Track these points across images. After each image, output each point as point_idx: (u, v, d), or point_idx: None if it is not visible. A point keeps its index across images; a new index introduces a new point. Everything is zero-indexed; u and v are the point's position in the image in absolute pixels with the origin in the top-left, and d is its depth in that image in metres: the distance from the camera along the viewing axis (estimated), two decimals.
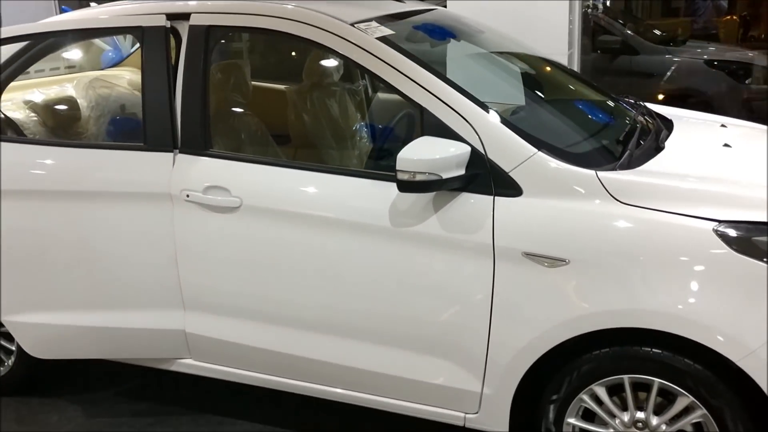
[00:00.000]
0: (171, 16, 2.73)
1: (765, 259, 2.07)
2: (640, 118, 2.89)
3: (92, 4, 6.54)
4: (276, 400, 3.13)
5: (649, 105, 3.29)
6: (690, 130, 2.90)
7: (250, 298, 2.66)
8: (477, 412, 2.45)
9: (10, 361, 3.25)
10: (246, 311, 2.69)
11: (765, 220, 2.12)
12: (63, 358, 3.04)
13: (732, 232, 2.10)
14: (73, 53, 4.80)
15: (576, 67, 5.07)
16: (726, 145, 2.67)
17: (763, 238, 2.09)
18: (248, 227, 2.58)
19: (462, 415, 2.49)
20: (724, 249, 2.08)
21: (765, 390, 2.05)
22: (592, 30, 6.74)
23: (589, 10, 7.23)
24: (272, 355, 2.69)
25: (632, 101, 3.22)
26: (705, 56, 7.07)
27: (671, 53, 7.08)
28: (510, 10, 4.61)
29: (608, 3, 11.91)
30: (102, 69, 4.65)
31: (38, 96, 3.56)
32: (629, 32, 7.20)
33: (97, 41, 5.43)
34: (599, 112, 3.03)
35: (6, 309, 2.97)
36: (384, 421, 2.89)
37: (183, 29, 2.72)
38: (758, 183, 2.34)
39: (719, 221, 2.11)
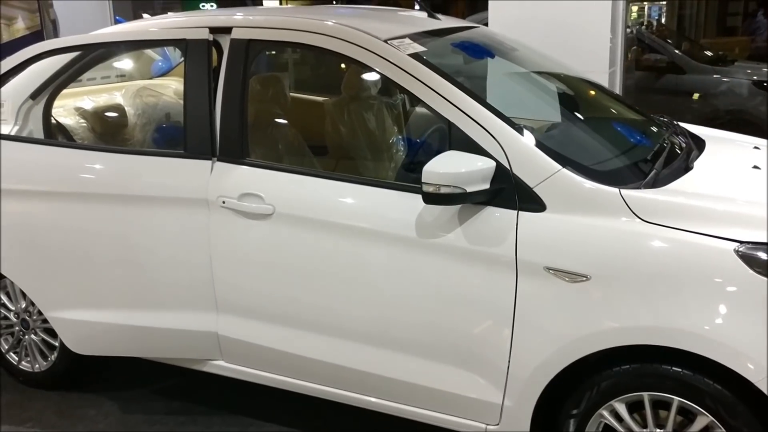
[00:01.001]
0: (214, 30, 2.85)
1: None
2: (672, 137, 2.89)
3: (145, 15, 6.78)
4: (305, 405, 3.20)
5: (685, 125, 3.29)
6: (721, 151, 2.89)
7: (280, 304, 2.75)
8: (498, 424, 2.48)
9: (53, 356, 3.40)
10: (276, 316, 2.77)
11: None
12: (102, 355, 3.17)
13: (754, 254, 2.10)
14: (125, 63, 4.99)
15: (618, 86, 5.07)
16: (756, 167, 2.66)
17: None
18: (280, 234, 2.67)
19: (483, 426, 2.52)
20: (745, 270, 2.08)
21: None
22: (637, 49, 6.71)
23: (638, 29, 7.20)
24: (301, 361, 2.77)
25: (666, 120, 3.22)
26: (754, 77, 6.97)
27: (719, 73, 6.99)
28: (552, 26, 4.64)
29: (663, 21, 11.80)
30: (152, 78, 4.84)
31: (88, 103, 3.73)
32: (676, 51, 7.14)
33: (149, 51, 5.64)
34: (630, 131, 3.04)
35: (51, 305, 3.12)
36: (403, 426, 2.95)
37: (225, 42, 2.84)
38: None
39: (741, 242, 2.11)
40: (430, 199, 2.29)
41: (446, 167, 2.26)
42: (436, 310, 2.47)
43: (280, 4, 9.12)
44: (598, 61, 4.63)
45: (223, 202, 2.73)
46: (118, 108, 3.79)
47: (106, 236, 2.93)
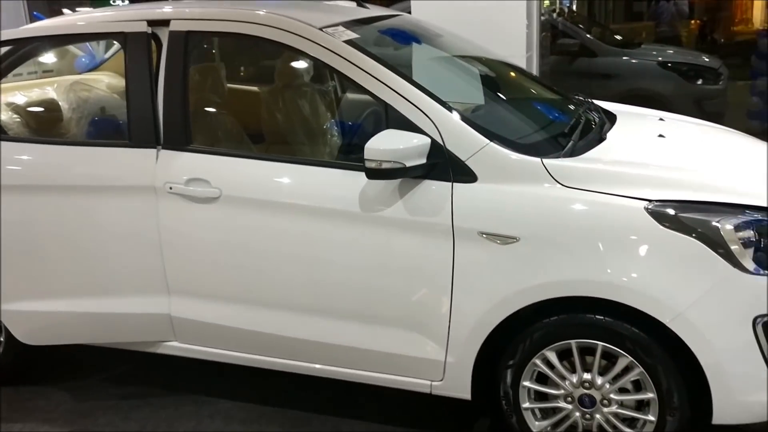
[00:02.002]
0: (152, 23, 2.94)
1: (693, 235, 2.34)
2: (586, 113, 3.16)
3: (66, 11, 6.66)
4: (255, 380, 3.34)
5: (598, 102, 3.57)
6: (630, 123, 3.18)
7: (230, 282, 2.88)
8: (442, 380, 2.69)
9: None
10: (227, 294, 2.90)
11: (691, 199, 2.40)
12: (55, 344, 3.22)
13: (661, 210, 2.37)
14: (48, 58, 4.96)
15: (535, 69, 5.35)
16: (660, 135, 2.96)
17: (690, 215, 2.36)
18: (228, 216, 2.80)
19: (428, 382, 2.72)
20: (655, 225, 2.35)
21: (690, 346, 2.33)
22: (551, 34, 7.06)
23: (550, 15, 7.56)
24: (252, 335, 2.91)
25: (581, 98, 3.50)
26: (659, 58, 7.44)
27: (627, 55, 7.43)
28: (471, 15, 4.87)
29: (574, 8, 12.33)
30: (77, 74, 4.83)
31: (20, 99, 3.73)
32: (587, 36, 7.54)
33: (72, 47, 5.59)
34: (549, 108, 3.29)
35: None
36: (356, 397, 3.14)
37: (163, 35, 2.93)
38: (685, 167, 2.63)
39: (650, 200, 2.38)
40: (373, 174, 2.47)
41: (386, 144, 2.44)
42: (382, 279, 2.66)
43: None
44: (515, 46, 4.89)
45: (171, 188, 2.84)
46: (51, 103, 3.81)
47: (55, 227, 2.99)
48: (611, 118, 3.22)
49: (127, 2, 11.94)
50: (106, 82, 4.23)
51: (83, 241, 2.98)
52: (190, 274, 2.93)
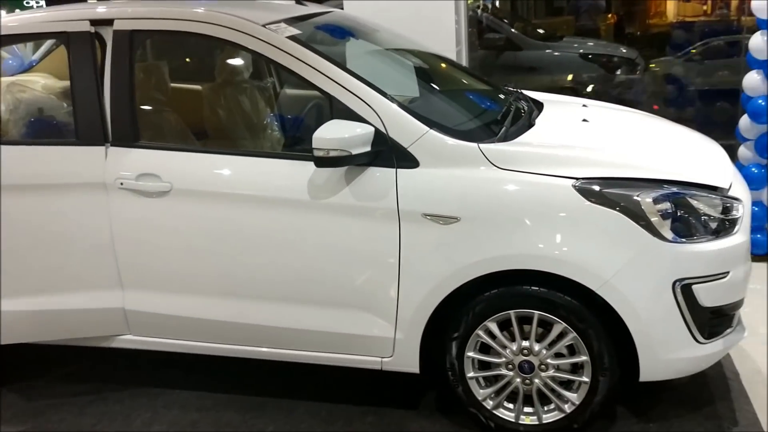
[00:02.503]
0: (95, 22, 3.00)
1: (617, 208, 2.56)
2: (516, 102, 3.37)
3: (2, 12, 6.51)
4: (210, 369, 3.43)
5: (526, 91, 3.80)
6: (556, 110, 3.41)
7: (183, 273, 2.96)
8: (392, 356, 2.85)
9: None
10: (180, 285, 2.99)
11: (613, 176, 2.63)
12: (10, 343, 3.23)
13: (588, 187, 2.58)
14: None
15: (465, 63, 5.57)
16: (584, 120, 3.20)
17: (613, 191, 2.58)
18: (179, 208, 2.89)
19: (379, 359, 2.88)
20: (582, 200, 2.57)
21: (617, 310, 2.56)
22: (479, 28, 7.32)
23: (479, 11, 7.83)
24: (206, 323, 3.00)
25: (511, 89, 3.71)
26: (580, 50, 7.80)
27: (550, 48, 7.76)
28: (402, 11, 5.04)
29: (497, 4, 12.69)
30: (5, 76, 4.77)
31: None
32: (512, 30, 7.83)
33: None
34: (482, 98, 3.49)
35: None
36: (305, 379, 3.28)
37: (107, 34, 2.99)
38: (608, 148, 2.88)
39: (577, 179, 2.60)
40: (321, 162, 2.61)
41: (333, 133, 2.58)
42: (332, 262, 2.79)
43: None
44: (446, 41, 5.08)
45: (121, 184, 2.91)
46: None
47: (4, 226, 3.01)
48: (539, 106, 3.44)
49: (42, 3, 11.66)
50: (42, 83, 4.21)
51: (34, 239, 3.01)
52: (143, 267, 3.00)
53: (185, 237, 2.92)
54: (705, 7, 12.50)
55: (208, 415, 3.16)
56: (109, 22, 2.99)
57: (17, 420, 3.22)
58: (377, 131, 2.68)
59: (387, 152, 2.69)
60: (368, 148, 2.64)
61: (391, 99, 2.75)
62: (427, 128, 2.70)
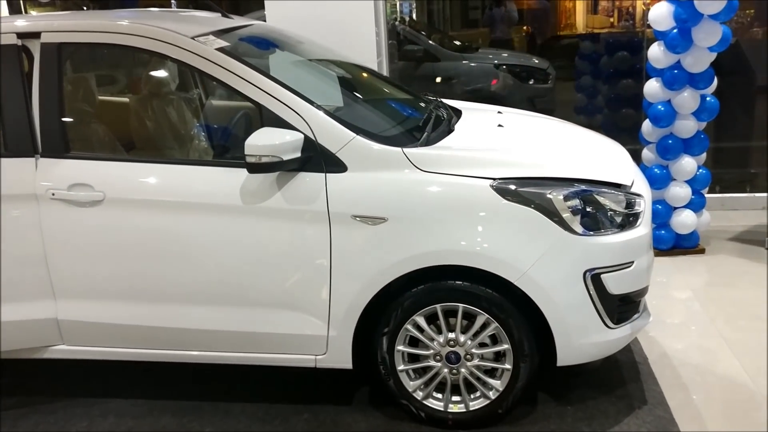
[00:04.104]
0: (21, 35, 3.02)
1: (532, 205, 2.77)
2: (436, 110, 3.56)
3: None
4: (144, 376, 3.46)
5: (446, 100, 4.00)
6: (473, 117, 3.62)
7: (117, 281, 3.01)
8: (325, 353, 2.97)
9: None
10: (114, 293, 3.03)
11: (527, 176, 2.84)
12: None
13: (504, 186, 2.78)
14: None
15: (386, 73, 5.76)
16: (500, 125, 3.42)
17: (528, 189, 2.79)
18: (112, 217, 2.94)
19: (313, 357, 2.99)
20: (499, 199, 2.76)
21: (535, 300, 2.76)
22: (398, 40, 7.54)
23: (396, 23, 8.06)
24: (140, 330, 3.05)
25: (431, 98, 3.91)
26: (495, 61, 8.14)
27: (467, 59, 8.07)
28: (323, 22, 5.17)
29: (414, 17, 13.01)
30: None
31: None
32: (430, 42, 8.11)
33: None
34: (404, 106, 3.67)
35: None
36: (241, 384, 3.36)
37: (34, 46, 3.01)
38: (521, 150, 3.10)
39: (494, 179, 2.80)
40: (254, 168, 2.71)
41: (264, 140, 2.70)
42: (265, 265, 2.90)
43: (25, 11, 8.84)
44: (366, 52, 5.25)
45: (53, 195, 2.93)
46: None
47: None
48: (457, 113, 3.65)
49: None
50: None
51: None
52: (77, 277, 3.02)
53: (118, 245, 2.96)
54: (612, 20, 13.19)
55: (144, 422, 3.20)
56: (36, 35, 3.01)
57: None
58: (306, 138, 2.80)
59: (316, 158, 2.82)
60: (298, 154, 2.76)
61: (319, 107, 2.88)
62: (353, 134, 2.85)
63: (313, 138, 2.82)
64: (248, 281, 2.93)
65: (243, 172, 2.78)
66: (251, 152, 2.69)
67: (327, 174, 2.82)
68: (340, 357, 2.97)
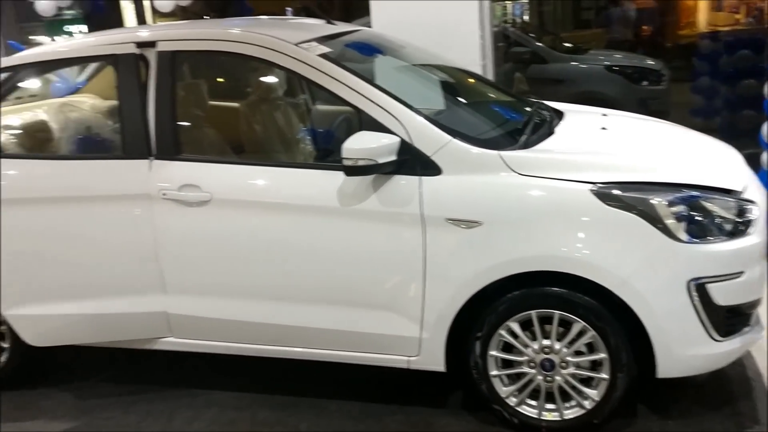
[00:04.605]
0: (140, 45, 3.22)
1: (634, 211, 2.68)
2: (537, 112, 3.51)
3: (38, 38, 6.88)
4: (246, 369, 3.60)
5: (549, 102, 3.93)
6: (576, 119, 3.54)
7: (223, 277, 3.15)
8: (418, 355, 2.99)
9: (2, 358, 3.63)
10: (220, 289, 3.17)
11: (631, 180, 2.75)
12: (60, 345, 3.45)
13: (606, 191, 2.71)
14: (30, 84, 5.20)
15: (490, 76, 5.72)
16: (603, 128, 3.32)
17: (630, 194, 2.70)
18: (218, 217, 3.08)
19: (406, 358, 3.02)
20: (600, 204, 2.69)
21: (634, 309, 2.67)
22: (506, 43, 7.48)
23: (503, 26, 7.99)
24: (244, 325, 3.18)
25: (533, 100, 3.86)
26: (606, 62, 7.91)
27: (576, 61, 7.89)
28: (428, 27, 5.20)
29: (525, 18, 12.84)
30: (54, 98, 5.07)
31: (15, 120, 3.97)
32: (538, 44, 7.98)
33: (47, 75, 5.83)
34: (505, 109, 3.64)
35: (8, 304, 3.38)
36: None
37: (151, 55, 3.21)
38: (626, 153, 3.01)
39: (595, 183, 2.73)
40: (350, 171, 2.78)
41: (361, 144, 2.76)
42: (361, 266, 2.96)
43: (154, 21, 9.40)
44: (470, 55, 5.24)
45: (164, 194, 3.11)
46: (43, 123, 4.04)
47: (56, 235, 3.24)
48: (559, 115, 3.58)
49: (84, 29, 12.20)
50: (89, 103, 4.47)
51: (84, 247, 3.23)
52: (186, 273, 3.19)
53: (224, 243, 3.10)
54: (737, 16, 12.47)
55: (244, 414, 3.33)
56: (152, 44, 3.21)
57: (69, 417, 3.43)
58: (402, 141, 2.84)
59: (412, 161, 2.85)
60: (394, 157, 2.80)
61: (416, 110, 2.91)
62: (449, 137, 2.86)
63: (409, 141, 2.85)
64: (344, 281, 3.00)
65: (341, 175, 2.85)
66: (348, 155, 2.75)
67: (422, 177, 2.84)
68: (433, 359, 2.98)
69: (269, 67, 3.21)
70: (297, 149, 3.94)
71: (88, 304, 3.29)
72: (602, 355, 2.80)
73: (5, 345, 3.59)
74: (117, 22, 9.32)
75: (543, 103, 3.80)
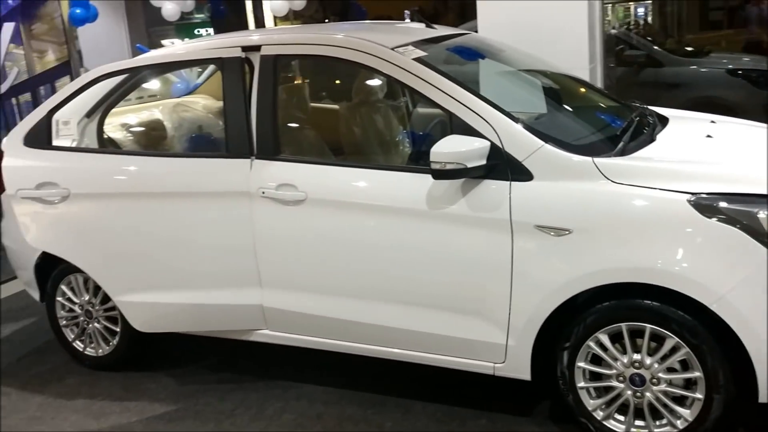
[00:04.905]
0: (245, 49, 3.37)
1: (738, 225, 2.54)
2: (640, 118, 3.39)
3: (165, 42, 7.34)
4: (337, 365, 3.69)
5: (654, 108, 3.79)
6: (681, 126, 3.39)
7: (317, 274, 3.24)
8: (504, 362, 2.97)
9: (114, 341, 3.90)
10: (312, 286, 3.27)
11: (733, 191, 2.61)
12: (163, 332, 3.67)
13: (704, 203, 2.59)
14: (152, 85, 5.55)
15: (599, 80, 5.57)
16: (708, 136, 3.17)
17: (731, 206, 2.57)
18: (312, 216, 3.17)
19: (491, 365, 3.00)
20: (697, 216, 2.57)
21: (733, 327, 2.53)
22: (618, 44, 7.24)
23: (620, 29, 7.74)
24: (334, 322, 3.26)
25: (637, 104, 3.73)
26: (729, 66, 7.48)
27: (695, 64, 7.52)
28: (535, 30, 5.14)
29: (649, 20, 12.33)
30: (174, 98, 5.38)
31: (132, 119, 4.25)
32: (655, 47, 7.67)
33: (169, 75, 6.20)
34: (605, 114, 3.54)
35: (119, 291, 3.63)
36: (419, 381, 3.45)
37: (255, 59, 3.35)
38: (728, 163, 2.85)
39: (693, 193, 2.61)
40: (438, 174, 2.79)
41: (450, 148, 2.77)
42: (448, 269, 2.96)
43: (275, 24, 9.74)
44: (578, 58, 5.13)
45: (263, 193, 3.24)
46: (158, 122, 4.31)
47: (163, 228, 3.44)
48: (664, 121, 3.44)
49: (211, 32, 12.84)
50: (202, 104, 4.72)
51: (187, 239, 3.41)
52: (281, 268, 3.31)
53: (316, 241, 3.19)
54: None
55: (332, 409, 3.41)
56: (257, 48, 3.35)
57: (169, 401, 3.63)
58: (493, 145, 2.82)
59: (502, 165, 2.82)
60: (484, 162, 2.79)
61: (508, 114, 2.89)
62: (542, 142, 2.81)
63: (500, 145, 2.83)
64: (431, 284, 3.02)
65: (431, 178, 2.86)
66: (436, 159, 2.77)
67: (512, 182, 2.82)
68: (519, 367, 2.94)
69: (366, 70, 3.25)
70: (394, 152, 3.99)
71: (191, 295, 3.47)
72: (697, 374, 2.68)
73: (117, 329, 3.85)
74: (240, 25, 9.72)
75: (648, 109, 3.67)
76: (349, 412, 3.37)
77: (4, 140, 3.94)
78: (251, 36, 3.48)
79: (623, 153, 2.88)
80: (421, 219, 2.96)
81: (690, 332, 2.63)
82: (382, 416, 3.31)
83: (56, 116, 3.73)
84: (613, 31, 7.65)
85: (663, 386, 2.75)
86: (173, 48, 3.93)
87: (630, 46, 7.55)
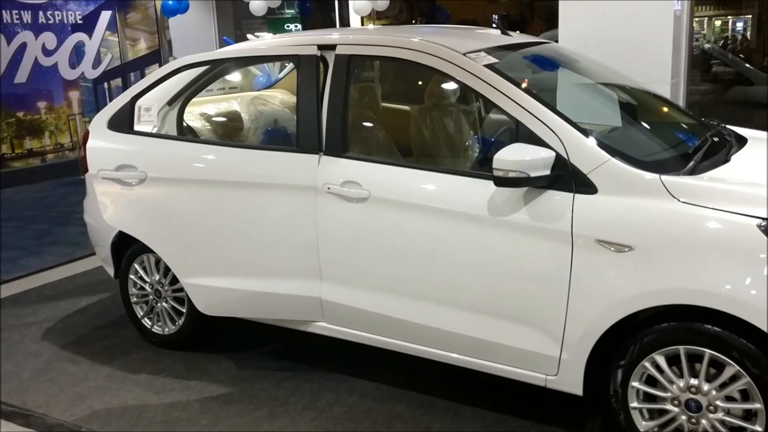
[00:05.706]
0: (321, 47, 3.45)
1: None
2: (716, 136, 3.30)
3: (250, 36, 7.58)
4: (390, 363, 3.73)
5: (734, 127, 3.67)
6: (759, 147, 3.27)
7: (376, 272, 3.29)
8: (556, 375, 2.94)
9: (180, 321, 4.05)
10: (370, 283, 3.32)
11: None
12: (225, 316, 3.79)
13: None
14: (234, 77, 5.73)
15: (681, 96, 5.43)
16: None
17: None
18: (374, 214, 3.22)
19: (543, 376, 2.98)
20: (766, 241, 2.49)
21: None
22: (705, 61, 7.02)
23: (712, 45, 7.50)
24: (390, 321, 3.30)
25: (714, 123, 3.62)
26: None
27: None
28: (618, 42, 5.05)
29: (748, 36, 11.82)
30: (255, 90, 5.54)
31: (211, 110, 4.41)
32: (746, 65, 7.39)
33: (252, 68, 6.39)
34: (680, 131, 3.46)
35: (187, 273, 3.77)
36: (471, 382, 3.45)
37: (330, 57, 3.42)
38: None
39: (763, 218, 2.53)
40: (500, 182, 2.79)
41: (513, 156, 2.76)
42: (505, 277, 2.96)
43: (362, 23, 9.85)
44: (660, 72, 5.01)
45: (328, 189, 3.31)
46: (235, 114, 4.45)
47: (232, 216, 3.56)
48: (742, 141, 3.33)
49: (299, 27, 13.13)
50: (280, 98, 4.85)
51: (253, 229, 3.52)
52: (341, 263, 3.37)
53: (378, 240, 3.24)
54: None
55: (382, 406, 3.45)
56: (332, 47, 3.42)
57: (227, 384, 3.75)
58: (558, 156, 2.80)
59: (567, 177, 2.80)
60: (547, 172, 2.77)
61: (576, 126, 2.86)
62: (608, 156, 2.77)
63: (566, 157, 2.81)
64: (487, 290, 3.02)
65: (493, 185, 2.86)
66: (499, 166, 2.77)
67: (575, 194, 2.79)
68: (571, 381, 2.91)
69: (438, 74, 3.28)
70: (462, 156, 4.01)
71: (254, 282, 3.58)
72: (757, 406, 2.58)
73: (183, 310, 4.00)
74: (326, 23, 9.90)
75: (726, 128, 3.56)
76: (398, 411, 3.40)
77: (91, 123, 4.16)
78: (328, 35, 3.56)
79: (693, 172, 2.81)
80: (482, 225, 2.97)
81: (752, 361, 2.55)
82: (431, 417, 3.33)
83: (139, 102, 3.91)
84: (707, 46, 7.41)
85: (720, 415, 2.67)
86: (255, 42, 4.05)
87: (722, 62, 7.30)
